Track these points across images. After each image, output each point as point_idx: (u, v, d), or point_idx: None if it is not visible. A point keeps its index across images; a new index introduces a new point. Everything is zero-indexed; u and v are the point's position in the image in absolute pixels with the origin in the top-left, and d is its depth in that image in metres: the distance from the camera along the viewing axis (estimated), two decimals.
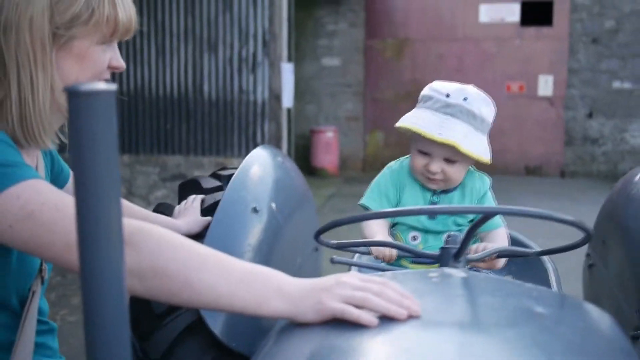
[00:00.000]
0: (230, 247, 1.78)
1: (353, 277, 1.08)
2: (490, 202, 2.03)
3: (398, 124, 1.89)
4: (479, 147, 1.85)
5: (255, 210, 1.90)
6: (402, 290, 1.03)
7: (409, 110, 1.93)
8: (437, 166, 1.88)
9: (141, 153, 7.46)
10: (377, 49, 12.19)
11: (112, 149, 0.65)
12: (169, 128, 7.40)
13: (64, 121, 1.43)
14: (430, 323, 0.99)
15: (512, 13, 11.66)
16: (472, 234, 1.40)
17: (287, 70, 7.16)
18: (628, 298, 1.93)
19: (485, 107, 1.88)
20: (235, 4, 7.09)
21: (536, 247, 2.04)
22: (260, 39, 7.11)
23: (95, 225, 0.65)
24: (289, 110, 7.40)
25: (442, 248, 1.56)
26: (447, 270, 1.27)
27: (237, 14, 7.10)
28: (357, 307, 1.02)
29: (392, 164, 2.07)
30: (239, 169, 2.02)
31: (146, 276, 1.10)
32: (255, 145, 7.16)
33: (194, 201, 1.92)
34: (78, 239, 0.66)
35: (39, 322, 1.53)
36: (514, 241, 2.31)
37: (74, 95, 0.63)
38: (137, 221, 1.14)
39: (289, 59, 7.28)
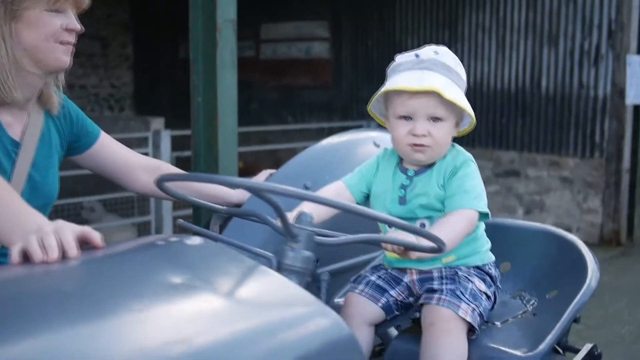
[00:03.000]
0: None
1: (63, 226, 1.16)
2: (464, 181, 1.76)
3: (370, 105, 1.81)
4: (462, 98, 1.74)
5: (306, 187, 1.96)
6: (70, 243, 1.15)
7: None
8: (422, 127, 1.73)
9: (477, 147, 7.51)
10: None
11: None
12: (504, 123, 7.30)
13: (30, 79, 1.71)
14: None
15: None
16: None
17: (636, 63, 6.47)
18: None
19: (458, 65, 1.78)
20: None
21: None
22: (605, 29, 6.57)
23: None
24: (635, 108, 6.68)
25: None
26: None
27: (581, 3, 6.67)
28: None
29: (385, 150, 1.93)
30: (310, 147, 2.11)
31: None
32: (592, 145, 6.67)
33: (261, 175, 2.07)
34: None
35: None
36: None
37: None
38: None
39: (638, 51, 6.57)
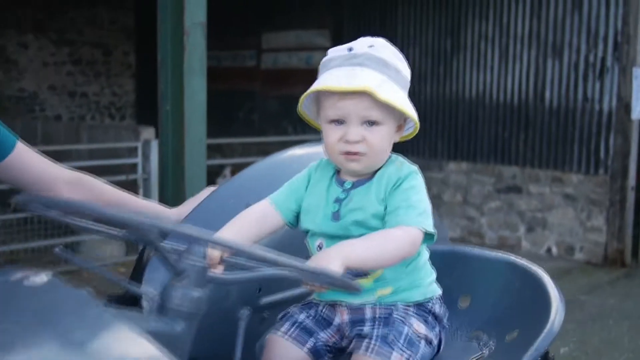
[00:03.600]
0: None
1: None
2: (409, 194, 1.54)
3: (300, 106, 1.61)
4: (399, 97, 1.53)
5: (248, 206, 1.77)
6: None
7: None
8: (355, 132, 1.53)
9: (478, 161, 7.28)
10: None
11: None
12: (506, 136, 7.07)
13: None
14: None
15: None
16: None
17: None
18: None
19: (397, 59, 1.58)
20: (586, 4, 6.43)
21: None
22: (611, 41, 6.33)
23: None
24: None
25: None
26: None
27: (586, 14, 6.44)
28: None
29: (320, 161, 1.70)
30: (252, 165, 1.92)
31: None
32: (597, 161, 6.44)
33: (203, 191, 1.89)
34: None
35: None
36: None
37: None
38: None
39: None
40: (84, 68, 10.81)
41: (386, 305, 1.59)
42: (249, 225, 1.59)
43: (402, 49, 8.34)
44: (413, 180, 1.58)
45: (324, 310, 1.64)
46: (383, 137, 1.55)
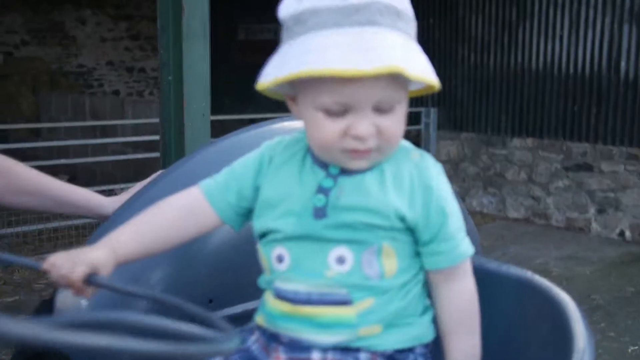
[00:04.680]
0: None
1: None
2: (447, 207, 1.14)
3: (266, 85, 1.07)
4: (426, 64, 1.07)
5: None
6: None
7: None
8: (368, 124, 1.07)
9: (545, 137, 6.73)
10: None
11: None
12: (576, 110, 6.49)
13: None
14: None
15: None
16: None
17: None
18: None
19: None
20: None
21: None
22: None
23: None
24: None
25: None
26: None
27: None
28: None
29: (280, 139, 1.24)
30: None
31: None
32: None
33: (153, 176, 1.56)
34: None
35: None
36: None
37: None
38: None
39: None
40: (142, 43, 10.69)
41: (343, 352, 1.13)
42: (165, 222, 1.19)
43: (464, 17, 7.80)
44: (443, 179, 1.16)
45: (255, 346, 1.21)
46: (400, 121, 1.11)
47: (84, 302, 1.34)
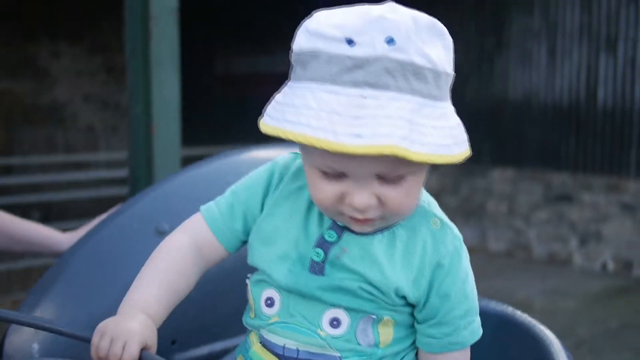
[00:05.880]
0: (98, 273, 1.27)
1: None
2: (464, 289, 1.01)
3: (266, 123, 0.92)
4: (441, 135, 0.88)
5: (159, 232, 1.31)
6: None
7: None
8: (367, 197, 0.92)
9: (525, 167, 6.68)
10: None
11: None
12: (556, 140, 6.47)
13: None
14: None
15: None
16: None
17: None
18: None
19: (434, 41, 0.91)
20: None
21: None
22: None
23: None
24: None
25: None
26: None
27: None
28: None
29: (295, 155, 1.09)
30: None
31: None
32: None
33: (110, 210, 1.45)
34: None
35: None
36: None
37: None
38: None
39: None
40: (118, 76, 10.58)
41: None
42: (178, 270, 1.05)
43: None
44: (459, 257, 1.02)
45: None
46: (411, 191, 0.95)
47: (35, 346, 1.23)
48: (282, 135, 0.89)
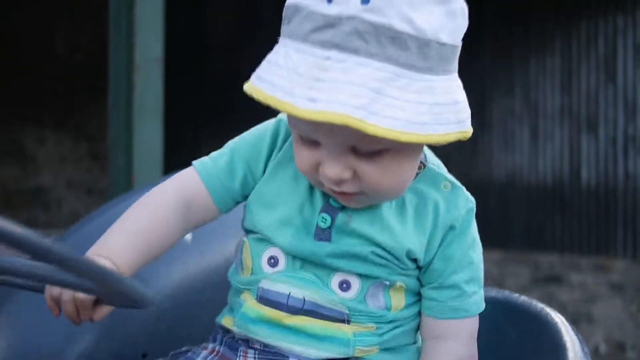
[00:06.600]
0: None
1: None
2: (469, 255, 0.98)
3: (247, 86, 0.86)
4: (416, 111, 0.80)
5: None
6: None
7: None
8: (339, 169, 0.86)
9: (511, 249, 6.65)
10: None
11: None
12: (541, 221, 6.48)
13: None
14: None
15: None
16: None
17: None
18: None
19: (430, 7, 0.81)
20: (620, 73, 6.02)
21: None
22: None
23: None
24: None
25: None
26: None
27: (621, 85, 6.01)
28: None
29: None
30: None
31: None
32: None
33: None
34: None
35: None
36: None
37: None
38: None
39: None
40: (103, 163, 10.60)
41: None
42: (158, 224, 0.97)
43: None
44: (473, 227, 1.00)
45: (222, 348, 1.01)
46: (389, 170, 0.87)
47: None
48: (248, 90, 0.84)
